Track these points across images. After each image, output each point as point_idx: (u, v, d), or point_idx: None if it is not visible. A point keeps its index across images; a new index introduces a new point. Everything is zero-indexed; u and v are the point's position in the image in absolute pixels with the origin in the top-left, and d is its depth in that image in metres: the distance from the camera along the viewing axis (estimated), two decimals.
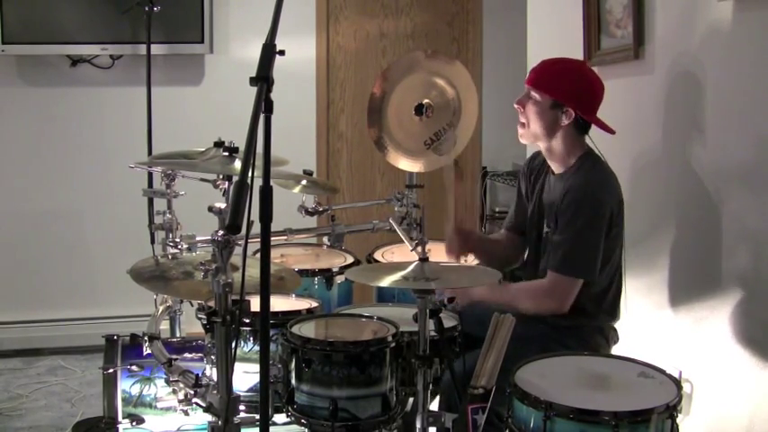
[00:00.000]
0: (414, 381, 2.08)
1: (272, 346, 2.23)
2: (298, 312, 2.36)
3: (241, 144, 1.74)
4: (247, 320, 2.20)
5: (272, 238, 1.76)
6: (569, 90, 2.36)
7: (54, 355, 4.34)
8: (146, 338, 2.59)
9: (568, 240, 2.29)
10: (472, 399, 1.91)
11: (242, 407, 2.17)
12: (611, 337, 2.46)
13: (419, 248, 2.18)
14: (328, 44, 4.83)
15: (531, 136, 2.43)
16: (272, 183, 1.65)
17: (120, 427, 2.65)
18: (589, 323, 2.40)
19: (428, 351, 2.04)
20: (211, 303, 2.01)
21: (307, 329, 2.19)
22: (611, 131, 2.40)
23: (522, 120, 2.43)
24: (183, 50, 4.41)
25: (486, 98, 4.57)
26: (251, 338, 2.27)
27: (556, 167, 2.45)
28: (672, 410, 1.75)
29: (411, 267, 2.10)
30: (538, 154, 2.61)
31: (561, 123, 2.37)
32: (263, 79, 1.64)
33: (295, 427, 2.16)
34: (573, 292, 2.31)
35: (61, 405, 3.68)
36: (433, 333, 2.05)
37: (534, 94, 2.38)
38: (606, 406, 1.73)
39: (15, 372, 4.13)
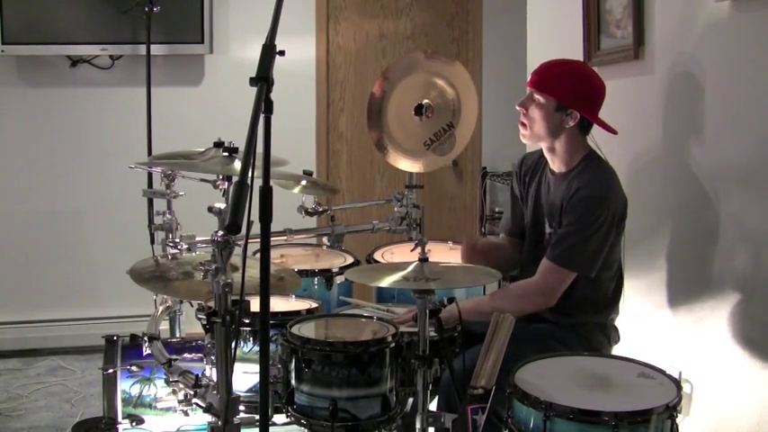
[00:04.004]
0: (413, 381, 2.09)
1: (272, 347, 2.23)
2: (297, 313, 2.36)
3: (241, 144, 1.74)
4: (247, 321, 2.20)
5: (272, 239, 1.77)
6: (574, 92, 2.36)
7: (53, 355, 4.35)
8: (145, 339, 2.59)
9: (572, 234, 2.29)
10: (472, 399, 1.91)
11: (242, 407, 2.17)
12: (613, 336, 2.46)
13: (419, 249, 2.17)
14: (328, 44, 4.83)
15: (534, 137, 2.43)
16: (271, 183, 1.65)
17: (120, 427, 2.64)
18: (590, 320, 2.40)
19: (428, 351, 2.04)
20: (211, 304, 2.01)
21: (306, 330, 2.19)
22: (614, 131, 2.40)
23: (525, 121, 2.42)
24: (182, 51, 4.41)
25: (485, 98, 4.57)
26: (251, 339, 2.27)
27: (557, 167, 2.45)
28: (671, 411, 1.75)
29: (411, 268, 2.10)
30: (529, 155, 2.61)
31: (566, 125, 2.36)
32: (263, 80, 1.64)
33: (295, 427, 2.16)
34: (563, 285, 2.31)
35: (61, 405, 3.68)
36: (432, 334, 2.06)
37: (538, 97, 2.37)
38: (606, 406, 1.72)
39: (15, 372, 4.13)
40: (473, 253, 2.60)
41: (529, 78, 2.42)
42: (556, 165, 2.45)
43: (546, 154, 2.47)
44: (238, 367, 2.25)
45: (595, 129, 2.43)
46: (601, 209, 2.29)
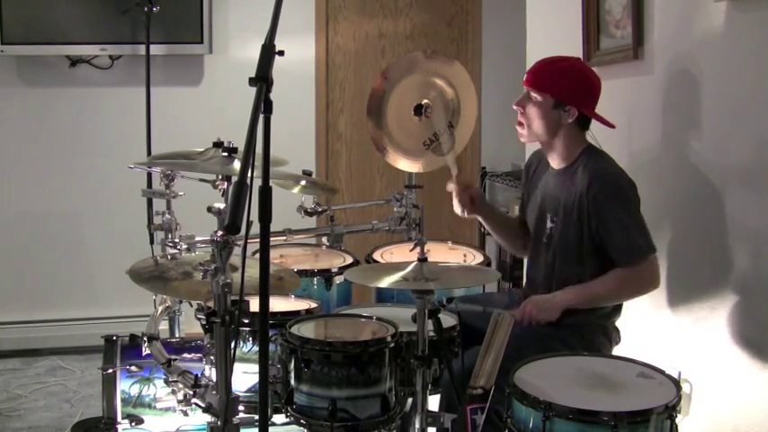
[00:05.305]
0: (413, 381, 2.08)
1: (272, 347, 2.23)
2: (297, 313, 2.36)
3: (240, 144, 1.74)
4: (246, 321, 2.20)
5: (272, 239, 1.76)
6: (570, 88, 2.36)
7: (53, 355, 4.34)
8: (145, 339, 2.59)
9: (620, 226, 2.28)
10: (471, 399, 1.91)
11: (241, 407, 2.17)
12: (614, 337, 2.46)
13: (418, 249, 2.17)
14: (327, 44, 4.83)
15: (533, 136, 2.43)
16: (271, 183, 1.65)
17: (120, 427, 2.64)
18: (591, 321, 2.40)
19: (427, 351, 2.04)
20: (210, 304, 2.01)
21: (306, 330, 2.19)
22: (611, 126, 2.40)
23: (522, 120, 2.43)
24: (182, 51, 4.41)
25: (485, 98, 4.57)
26: (250, 339, 2.28)
27: (556, 163, 2.45)
28: (671, 411, 1.75)
29: (410, 268, 2.10)
30: (534, 154, 2.61)
31: (564, 122, 2.37)
32: (263, 80, 1.64)
33: (294, 427, 2.17)
34: (656, 267, 2.31)
35: (60, 405, 3.68)
36: (431, 334, 2.06)
37: (535, 95, 2.38)
38: (605, 406, 1.73)
39: (15, 372, 4.13)
40: (465, 194, 2.60)
41: (525, 77, 2.42)
42: (555, 161, 2.46)
43: (545, 151, 2.48)
44: (238, 367, 2.25)
45: (595, 127, 2.44)
46: (628, 192, 2.31)
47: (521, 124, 2.43)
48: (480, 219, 2.67)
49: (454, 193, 2.63)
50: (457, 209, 2.64)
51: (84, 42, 4.28)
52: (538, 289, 2.46)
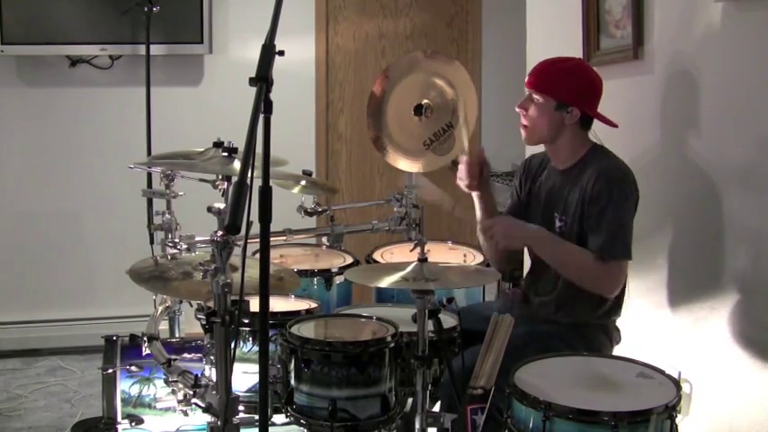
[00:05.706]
0: (413, 381, 2.09)
1: (272, 347, 2.23)
2: (297, 313, 2.36)
3: (240, 144, 1.74)
4: (246, 321, 2.20)
5: (272, 239, 1.76)
6: (572, 89, 2.37)
7: (53, 355, 4.34)
8: (145, 339, 2.59)
9: (612, 222, 2.26)
10: (471, 399, 1.91)
11: (241, 407, 2.17)
12: (615, 337, 2.46)
13: (418, 249, 2.17)
14: (327, 44, 4.83)
15: (536, 138, 2.43)
16: (271, 183, 1.65)
17: (120, 427, 2.65)
18: (592, 321, 2.39)
19: (427, 351, 2.04)
20: (211, 304, 2.01)
21: (306, 330, 2.19)
22: (614, 125, 2.41)
23: (525, 123, 2.42)
24: (182, 51, 4.41)
25: (485, 98, 4.57)
26: (250, 339, 2.28)
27: (560, 164, 2.45)
28: (671, 411, 1.75)
29: (410, 268, 2.10)
30: (536, 156, 2.61)
31: (567, 123, 2.37)
32: (263, 80, 1.64)
33: (294, 427, 2.17)
34: (623, 275, 2.30)
35: (60, 405, 3.68)
36: (431, 334, 2.06)
37: (537, 97, 2.38)
38: (605, 406, 1.73)
39: (15, 372, 4.13)
40: (476, 167, 2.52)
41: (526, 79, 2.42)
42: (559, 162, 2.46)
43: (548, 152, 2.48)
44: (238, 367, 2.25)
45: (597, 126, 2.44)
46: (626, 190, 2.29)
47: (524, 126, 2.43)
48: (477, 199, 2.59)
49: (464, 165, 2.54)
50: (462, 181, 2.55)
51: (84, 42, 4.28)
52: (540, 287, 2.46)
